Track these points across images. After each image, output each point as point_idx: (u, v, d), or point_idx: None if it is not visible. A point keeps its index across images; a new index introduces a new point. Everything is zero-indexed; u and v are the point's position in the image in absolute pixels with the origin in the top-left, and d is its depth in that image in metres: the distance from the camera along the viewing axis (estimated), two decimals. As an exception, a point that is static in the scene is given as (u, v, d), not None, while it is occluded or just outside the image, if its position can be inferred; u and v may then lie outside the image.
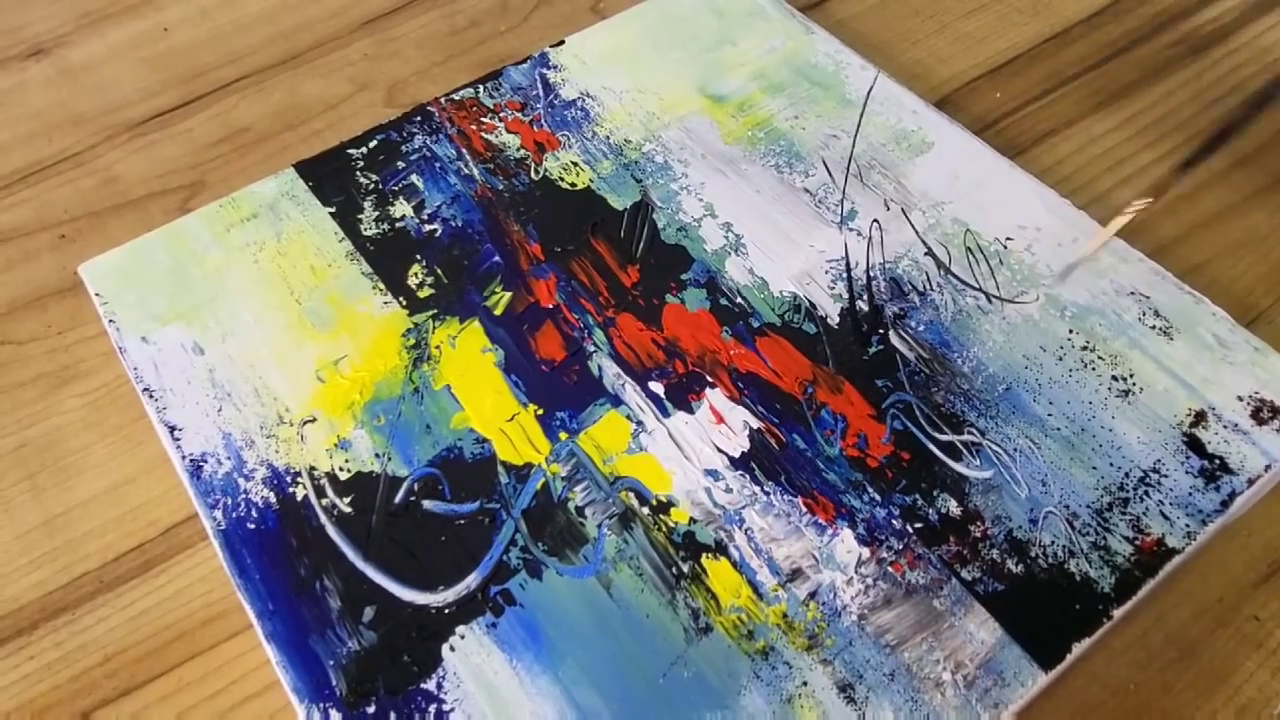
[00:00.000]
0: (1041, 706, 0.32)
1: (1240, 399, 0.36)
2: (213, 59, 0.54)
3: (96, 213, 0.47)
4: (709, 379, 0.37)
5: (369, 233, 0.41)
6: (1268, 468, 0.34)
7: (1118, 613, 0.31)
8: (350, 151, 0.44)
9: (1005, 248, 0.40)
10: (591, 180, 0.43)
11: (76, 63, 0.54)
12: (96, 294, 0.39)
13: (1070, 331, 0.37)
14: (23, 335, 0.43)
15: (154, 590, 0.36)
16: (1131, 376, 0.36)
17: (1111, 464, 0.34)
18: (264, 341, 0.38)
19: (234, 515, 0.34)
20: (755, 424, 0.35)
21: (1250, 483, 0.34)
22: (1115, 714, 0.33)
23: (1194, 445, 0.35)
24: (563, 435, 0.35)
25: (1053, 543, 0.33)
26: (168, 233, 0.41)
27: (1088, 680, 0.33)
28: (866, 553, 0.33)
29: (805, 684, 0.30)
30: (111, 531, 0.37)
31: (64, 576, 0.36)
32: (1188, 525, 0.33)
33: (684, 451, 0.35)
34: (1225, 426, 0.35)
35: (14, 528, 0.37)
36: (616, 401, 0.36)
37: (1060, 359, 0.37)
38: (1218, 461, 0.34)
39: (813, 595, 0.32)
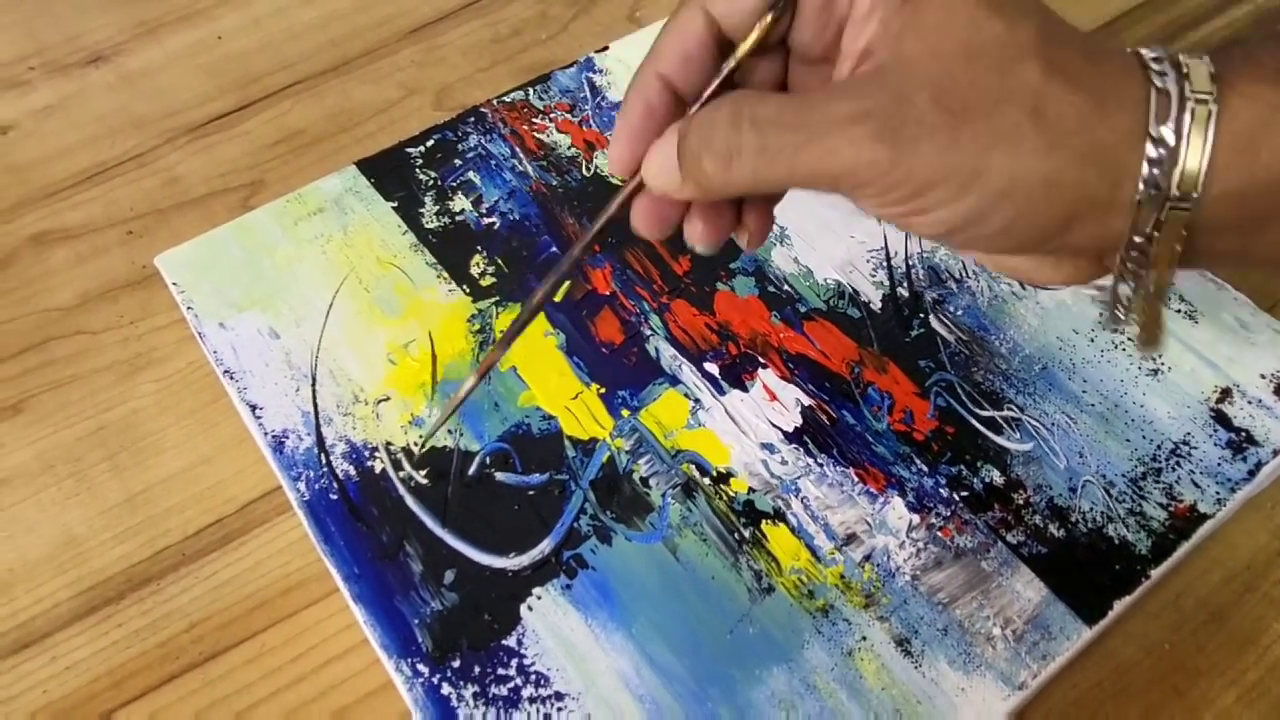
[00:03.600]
0: (1082, 665, 0.34)
1: (1263, 376, 0.38)
2: (266, 65, 0.56)
3: (161, 210, 0.49)
4: (761, 360, 0.39)
5: (430, 226, 0.43)
6: (1291, 440, 0.36)
7: (1155, 573, 0.33)
8: (409, 150, 0.46)
9: (1036, 238, 0.42)
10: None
11: (135, 69, 0.56)
12: (174, 283, 0.41)
13: (1100, 315, 0.40)
14: (96, 325, 0.45)
15: (234, 562, 0.38)
16: (1160, 357, 0.38)
17: (1144, 437, 0.36)
18: (336, 327, 0.40)
19: (316, 487, 0.36)
20: (806, 401, 0.37)
21: (1275, 453, 0.36)
22: (1151, 672, 0.34)
23: (1221, 419, 0.37)
24: (625, 412, 0.37)
25: (1091, 509, 0.35)
26: (238, 226, 0.43)
27: (1124, 640, 0.35)
28: (916, 519, 0.35)
29: (864, 639, 0.32)
30: (191, 508, 0.39)
31: (147, 550, 0.38)
32: (1218, 493, 0.35)
33: (740, 427, 0.37)
34: (1250, 402, 0.37)
35: (97, 504, 0.39)
36: (674, 381, 0.38)
37: (1092, 340, 0.39)
38: (1244, 434, 0.36)
39: (867, 558, 0.34)
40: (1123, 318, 0.25)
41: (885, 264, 0.41)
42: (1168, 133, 0.21)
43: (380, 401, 0.38)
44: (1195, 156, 0.21)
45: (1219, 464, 0.36)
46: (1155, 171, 0.21)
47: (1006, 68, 0.22)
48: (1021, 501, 0.35)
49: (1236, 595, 0.36)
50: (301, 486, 0.36)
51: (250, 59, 0.56)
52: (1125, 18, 0.56)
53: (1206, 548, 0.37)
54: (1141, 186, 0.21)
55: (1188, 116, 0.21)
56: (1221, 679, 0.34)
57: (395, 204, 0.44)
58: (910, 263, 0.42)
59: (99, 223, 0.49)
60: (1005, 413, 0.37)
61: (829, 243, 0.42)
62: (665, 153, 0.25)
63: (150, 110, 0.54)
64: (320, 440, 0.37)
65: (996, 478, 0.35)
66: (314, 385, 0.38)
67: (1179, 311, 0.40)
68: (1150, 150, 0.21)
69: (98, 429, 0.41)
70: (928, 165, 0.22)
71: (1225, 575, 0.36)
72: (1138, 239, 0.22)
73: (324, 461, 0.36)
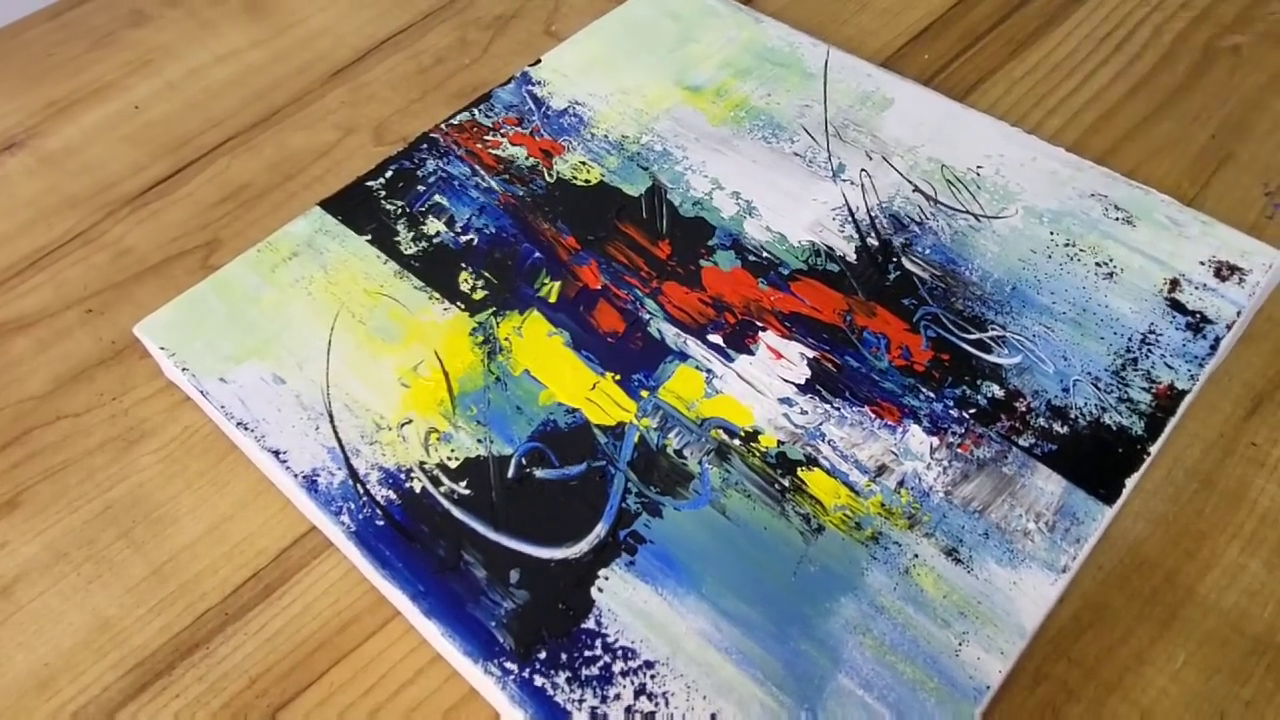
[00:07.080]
0: (1103, 548, 0.37)
1: (1202, 264, 0.42)
2: (193, 127, 0.55)
3: (118, 284, 0.48)
4: (759, 324, 0.41)
5: (410, 251, 0.44)
6: (1239, 313, 0.40)
7: (1154, 449, 0.37)
8: (370, 184, 0.47)
9: (978, 175, 0.46)
10: (603, 175, 0.46)
11: (56, 149, 0.54)
12: (161, 348, 0.41)
13: (1051, 234, 0.43)
14: (78, 407, 0.43)
15: (281, 611, 0.37)
16: (1111, 261, 0.42)
17: (1114, 333, 0.40)
18: (340, 362, 0.40)
19: (360, 517, 0.36)
20: (810, 354, 0.40)
21: (1229, 327, 0.40)
22: (1162, 541, 0.38)
23: (1176, 306, 0.41)
24: (644, 393, 0.39)
25: (1086, 404, 0.38)
26: (214, 282, 0.43)
27: (1133, 520, 0.38)
28: (936, 441, 0.37)
29: (916, 556, 0.34)
30: (223, 567, 0.38)
31: (187, 617, 0.37)
32: (1189, 369, 0.39)
33: (756, 387, 0.39)
34: (1197, 288, 0.41)
35: (123, 582, 0.38)
36: (684, 357, 0.40)
37: (1049, 257, 0.42)
38: (1199, 315, 0.40)
39: (901, 484, 0.36)
40: None
41: (851, 219, 0.44)
42: None
43: (403, 425, 0.38)
44: None
45: (1184, 345, 0.39)
46: None
47: None
48: (1024, 409, 0.38)
49: (1218, 461, 0.40)
50: (345, 519, 0.36)
51: (174, 123, 0.56)
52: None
53: (1183, 424, 0.40)
54: None
55: None
56: (1223, 536, 0.38)
57: (369, 237, 0.44)
58: (872, 214, 0.44)
59: (54, 306, 0.47)
60: (990, 333, 0.40)
61: (795, 208, 0.45)
62: None
63: (82, 187, 0.52)
64: (353, 472, 0.37)
65: (997, 392, 0.38)
66: (332, 421, 0.38)
67: (1116, 219, 0.44)
68: None
69: (104, 509, 0.40)
70: None
71: (1204, 446, 0.40)
72: None
73: (361, 491, 0.36)
